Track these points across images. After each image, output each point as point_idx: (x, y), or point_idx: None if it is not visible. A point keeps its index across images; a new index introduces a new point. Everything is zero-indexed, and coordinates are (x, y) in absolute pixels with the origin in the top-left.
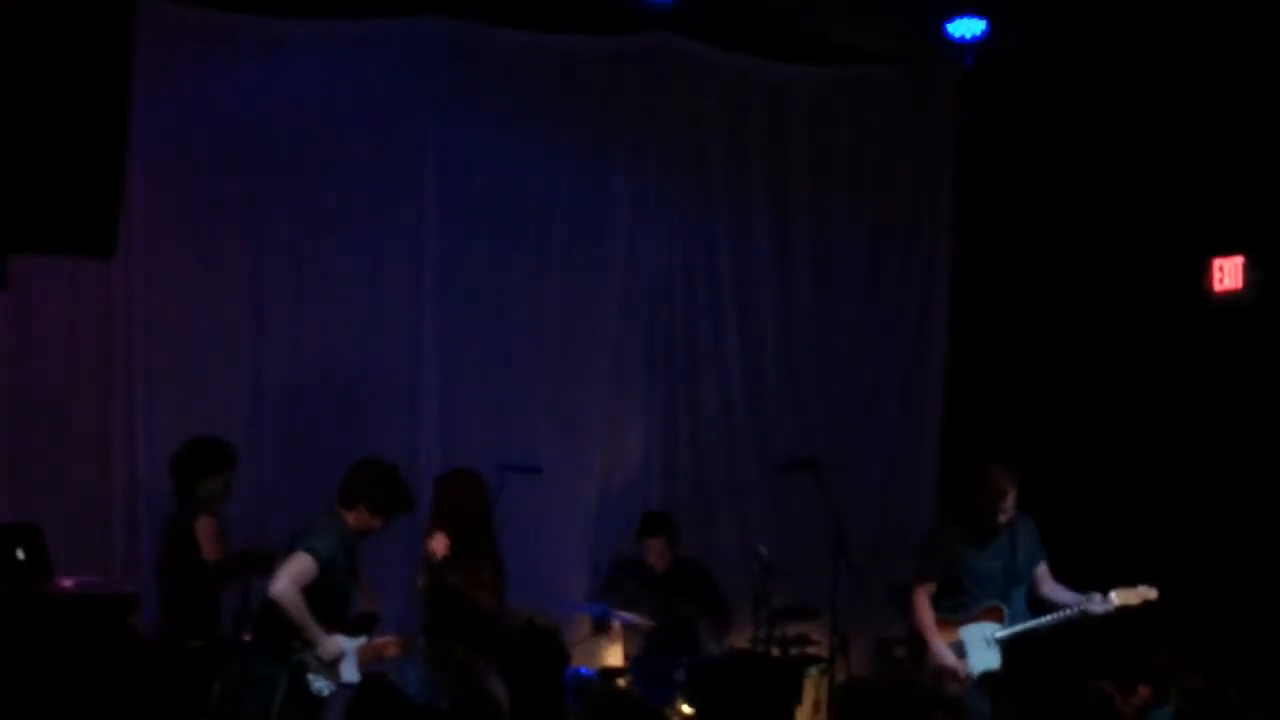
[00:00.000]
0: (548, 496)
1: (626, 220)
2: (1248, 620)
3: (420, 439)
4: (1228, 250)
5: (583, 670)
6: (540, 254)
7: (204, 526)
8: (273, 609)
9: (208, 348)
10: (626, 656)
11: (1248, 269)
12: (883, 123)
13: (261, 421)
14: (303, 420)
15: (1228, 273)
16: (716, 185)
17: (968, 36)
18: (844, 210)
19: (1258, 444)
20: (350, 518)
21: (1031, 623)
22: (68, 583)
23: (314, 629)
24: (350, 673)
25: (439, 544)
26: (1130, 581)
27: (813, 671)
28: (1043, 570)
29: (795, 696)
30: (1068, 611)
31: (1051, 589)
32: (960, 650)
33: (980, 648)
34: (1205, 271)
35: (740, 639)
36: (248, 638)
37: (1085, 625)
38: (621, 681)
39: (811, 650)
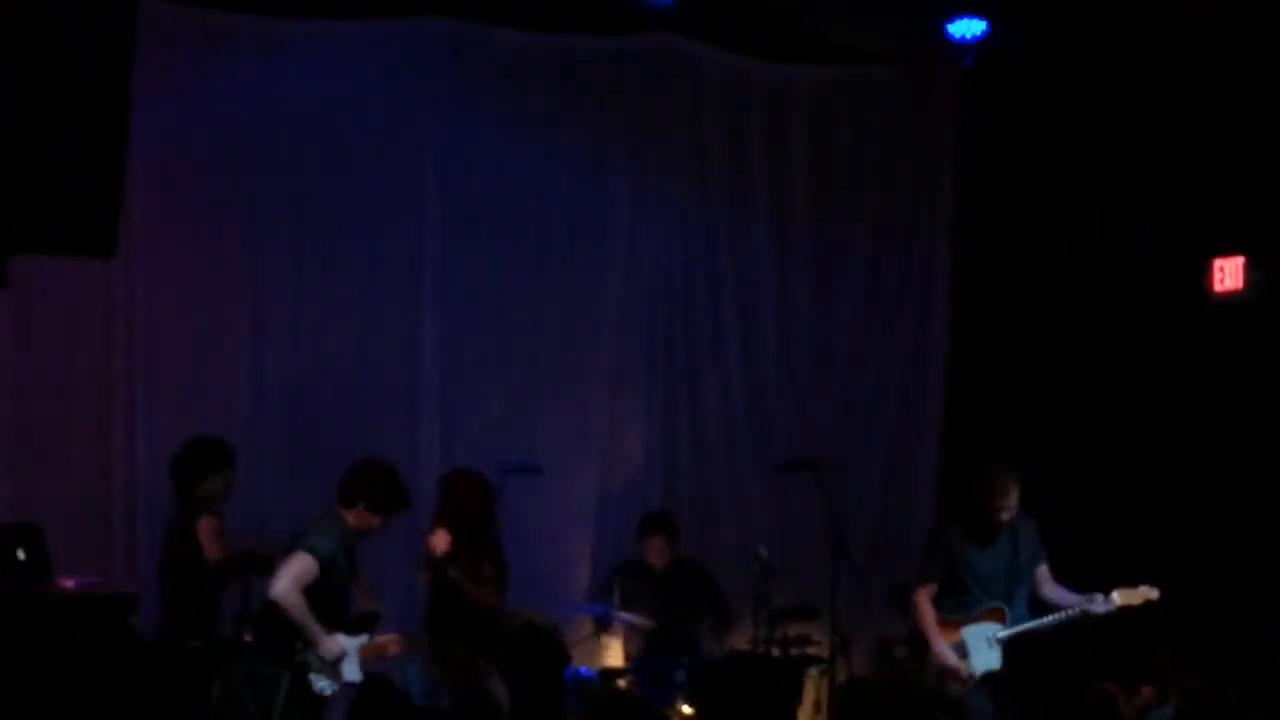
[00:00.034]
0: (548, 496)
1: (626, 220)
2: (1248, 620)
3: (420, 439)
4: (1228, 250)
5: (583, 670)
6: (540, 254)
7: (205, 526)
8: (274, 610)
9: (208, 348)
10: (627, 657)
11: (1248, 269)
12: (883, 123)
13: (261, 421)
14: (303, 420)
15: (1228, 273)
16: (716, 185)
17: (968, 37)
18: (844, 210)
19: (1258, 444)
20: (350, 517)
21: (1033, 623)
22: (68, 583)
23: (315, 629)
24: (352, 672)
25: (440, 539)
26: (1130, 582)
27: (813, 672)
28: (1043, 571)
29: (796, 697)
30: (1069, 611)
31: (1052, 590)
32: (962, 650)
33: (982, 648)
34: (1206, 272)
35: (740, 639)
36: (248, 638)
37: (1086, 625)
38: (622, 682)
39: (812, 651)
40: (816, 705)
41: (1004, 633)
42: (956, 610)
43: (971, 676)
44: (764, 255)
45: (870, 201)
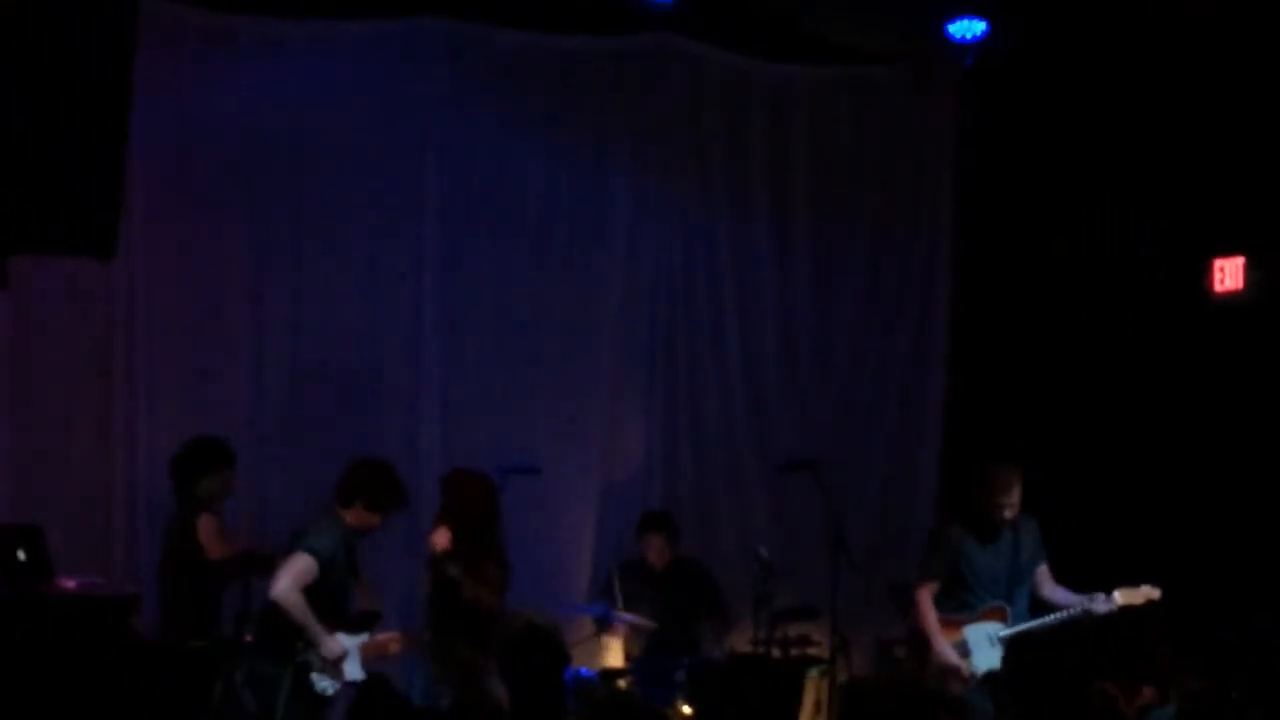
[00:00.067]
0: (548, 497)
1: (626, 220)
2: (1248, 621)
3: (421, 439)
4: (1228, 251)
5: (583, 671)
6: (540, 254)
7: (205, 525)
8: (274, 610)
9: (208, 348)
10: (627, 657)
11: (1249, 269)
12: (883, 123)
13: (262, 421)
14: (303, 420)
15: (1228, 273)
16: (716, 185)
17: (968, 37)
18: (844, 210)
19: (1258, 445)
20: (348, 516)
21: (1035, 622)
22: (69, 583)
23: (316, 629)
24: (354, 671)
25: (440, 537)
26: (1131, 582)
27: (813, 673)
28: (1043, 571)
29: (796, 698)
30: (1071, 611)
31: (1052, 590)
32: (964, 650)
33: (984, 647)
34: (1206, 272)
35: (741, 640)
36: (249, 638)
37: (1087, 625)
38: (622, 682)
39: (812, 651)
40: (817, 705)
41: (1006, 632)
42: (958, 609)
43: (973, 676)
44: (764, 255)
45: (870, 201)
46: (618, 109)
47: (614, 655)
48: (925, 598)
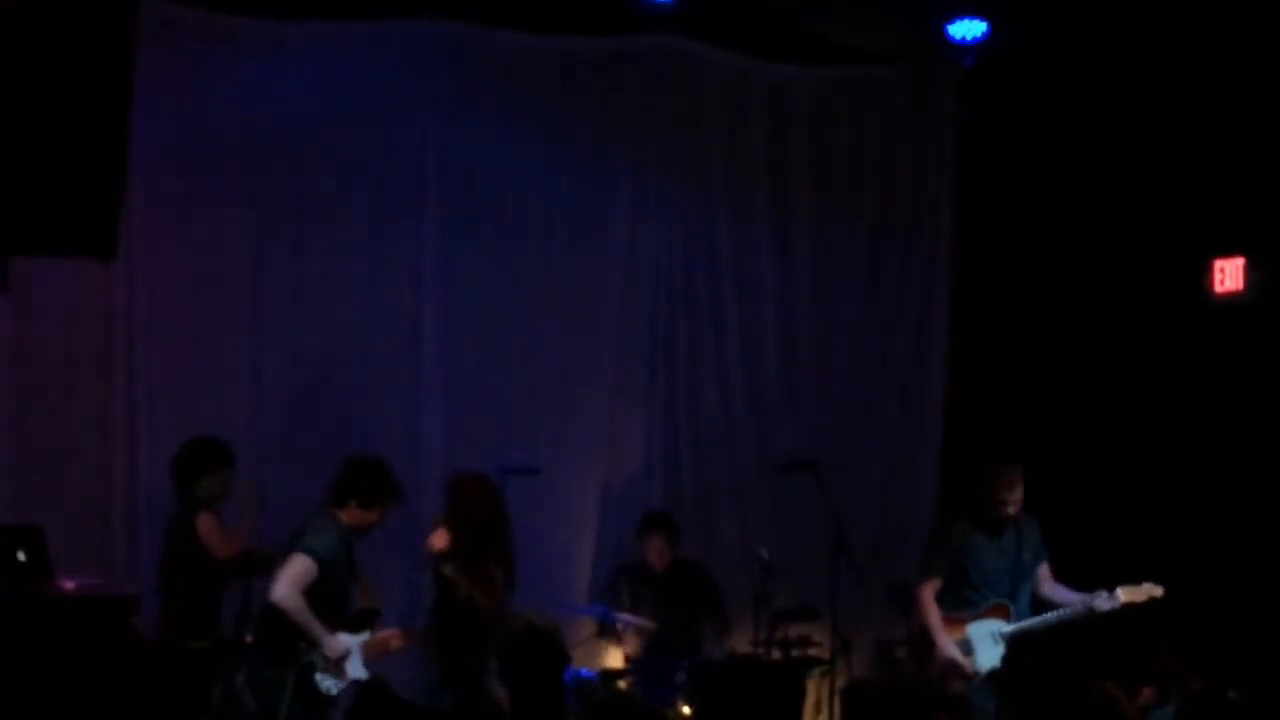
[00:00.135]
0: (547, 497)
1: (626, 220)
2: (1248, 620)
3: (421, 438)
4: (1229, 251)
5: (584, 672)
6: (540, 254)
7: (205, 524)
8: (275, 612)
9: (208, 348)
10: (627, 658)
11: (1249, 270)
12: (883, 123)
13: (262, 421)
14: (303, 420)
15: (1229, 274)
16: (716, 185)
17: (968, 38)
18: (844, 210)
19: (1258, 445)
20: (344, 515)
21: (1038, 619)
22: (69, 584)
23: (318, 629)
24: (357, 669)
25: (438, 539)
26: (1132, 581)
27: (814, 673)
28: (1044, 570)
29: (797, 699)
30: (1074, 608)
31: (1052, 589)
32: (967, 647)
33: (987, 644)
34: (1206, 272)
35: (741, 641)
36: (249, 639)
37: (1088, 624)
38: (622, 683)
39: (813, 652)
40: (817, 706)
41: (1009, 629)
42: (960, 607)
43: (976, 673)
44: (764, 255)
45: (870, 201)
46: (618, 109)
47: (614, 656)
48: (928, 595)
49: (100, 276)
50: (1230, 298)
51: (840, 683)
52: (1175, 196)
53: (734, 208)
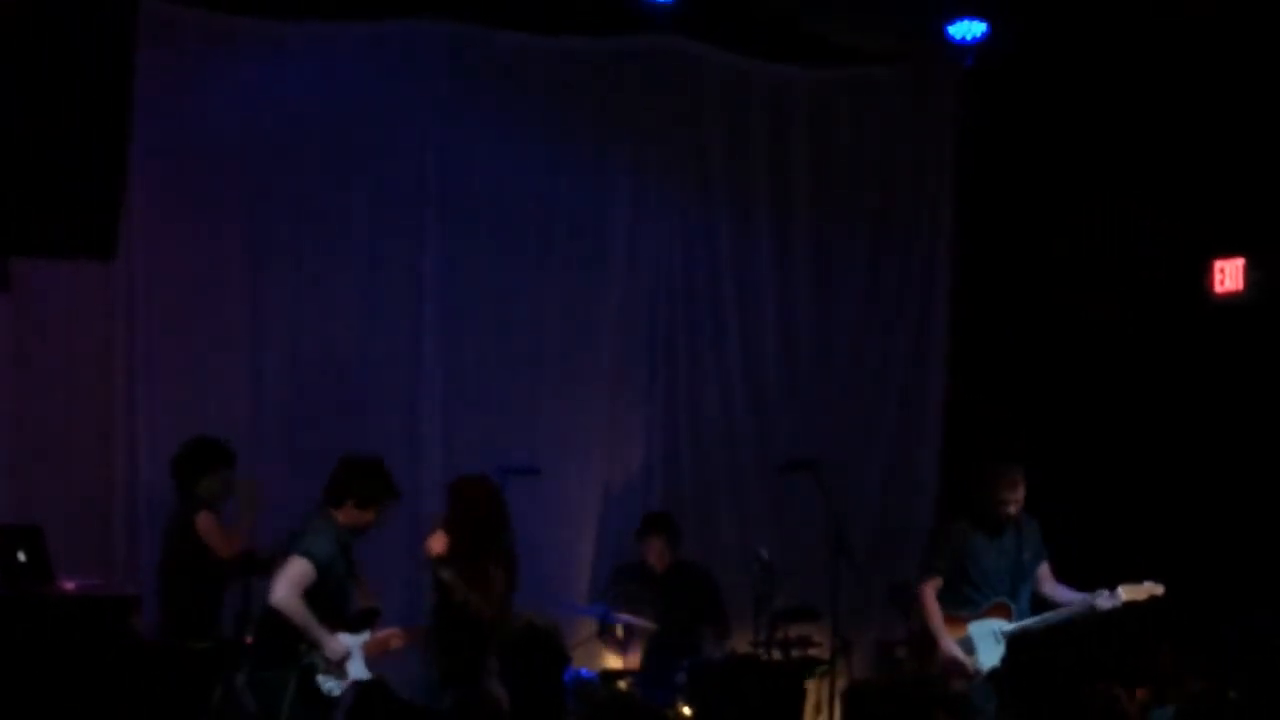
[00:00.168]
0: (548, 497)
1: (626, 220)
2: (1248, 620)
3: (420, 438)
4: (1229, 251)
5: (584, 672)
6: (540, 254)
7: (204, 522)
8: (275, 615)
9: (208, 348)
10: (627, 669)
11: (1249, 270)
12: (883, 123)
13: (262, 421)
14: (303, 420)
15: (1229, 274)
16: (716, 185)
17: (968, 38)
18: (844, 210)
19: (1258, 445)
20: (340, 516)
21: (1039, 618)
22: (69, 584)
23: (318, 631)
24: (358, 669)
25: (436, 542)
26: (1132, 581)
27: (814, 674)
28: (1044, 570)
29: (797, 700)
30: (1075, 607)
31: (1053, 588)
32: (969, 646)
33: (989, 644)
34: (1206, 273)
35: (741, 641)
36: (249, 639)
37: (1088, 623)
38: (622, 683)
39: (813, 652)
40: (817, 706)
41: (1010, 628)
42: (961, 606)
43: (978, 672)
44: (764, 255)
45: (870, 201)
46: (618, 109)
47: (615, 660)
48: (929, 594)
49: (100, 276)
50: (1230, 298)
51: (840, 683)
52: (1175, 196)
53: (734, 207)
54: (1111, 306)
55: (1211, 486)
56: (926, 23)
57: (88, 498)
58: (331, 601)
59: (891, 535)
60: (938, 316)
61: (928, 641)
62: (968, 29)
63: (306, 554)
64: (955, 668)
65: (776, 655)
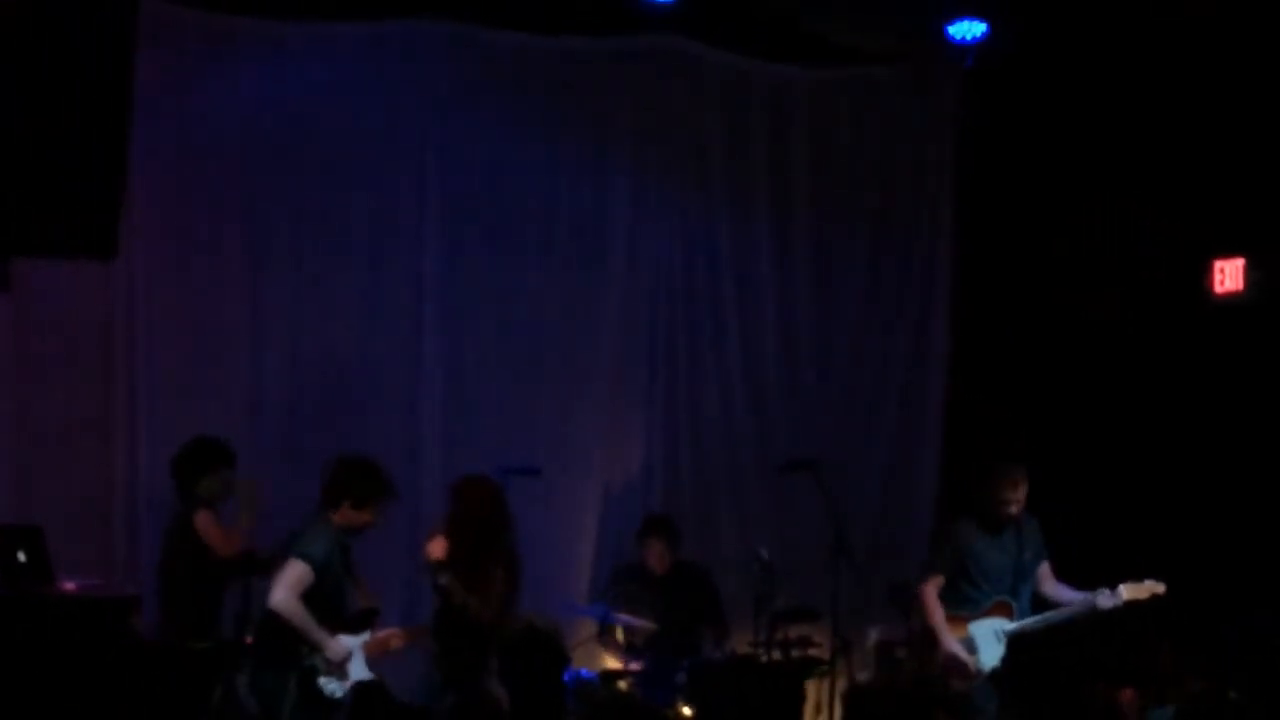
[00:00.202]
0: (548, 497)
1: (626, 220)
2: (1248, 620)
3: (421, 438)
4: (1229, 252)
5: (584, 672)
6: (540, 254)
7: (203, 521)
8: (274, 618)
9: (208, 348)
10: (627, 670)
11: (1249, 270)
12: (883, 123)
13: (262, 421)
14: (303, 420)
15: (1229, 274)
16: (716, 185)
17: (968, 38)
18: (844, 210)
19: (1258, 445)
20: (337, 517)
21: (1040, 617)
22: (69, 585)
23: (319, 633)
24: (359, 670)
25: (435, 547)
26: (1132, 581)
27: (814, 675)
28: (1045, 569)
29: (797, 700)
30: (1076, 606)
31: (1053, 588)
32: (970, 646)
33: (990, 643)
34: (1206, 273)
35: (741, 642)
36: (249, 639)
37: (1089, 622)
38: (622, 684)
39: (813, 652)
40: (817, 707)
41: (1011, 627)
42: (962, 605)
43: (979, 672)
44: (764, 255)
45: (870, 201)
46: (618, 109)
47: (615, 661)
48: (930, 593)
49: (100, 276)
50: (1230, 298)
51: (840, 683)
52: (1175, 196)
53: (734, 208)
54: (1111, 306)
55: (1212, 486)
56: (926, 23)
57: (88, 498)
58: (330, 603)
59: (891, 535)
60: (938, 316)
61: (929, 641)
62: (968, 29)
63: (303, 556)
64: (957, 667)
65: (776, 656)
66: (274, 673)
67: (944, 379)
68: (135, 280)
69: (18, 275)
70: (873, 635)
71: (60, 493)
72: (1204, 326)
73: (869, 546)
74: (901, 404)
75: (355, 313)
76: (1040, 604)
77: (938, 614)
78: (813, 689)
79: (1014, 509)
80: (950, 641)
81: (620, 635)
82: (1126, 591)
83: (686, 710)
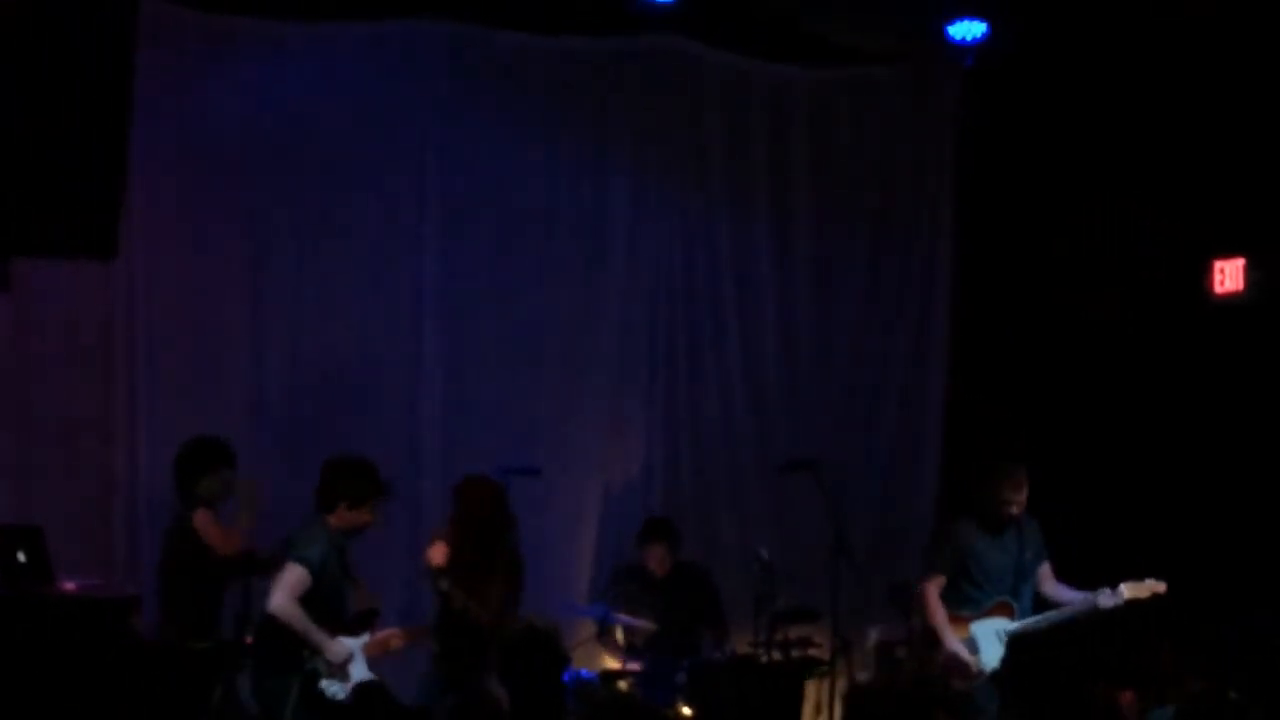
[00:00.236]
0: (548, 497)
1: (626, 220)
2: (1248, 620)
3: (421, 439)
4: (1229, 252)
5: (584, 672)
6: (540, 254)
7: (201, 520)
8: (273, 623)
9: (208, 348)
10: (626, 670)
11: (1249, 270)
12: (883, 123)
13: (262, 421)
14: (303, 420)
15: (1229, 274)
16: (716, 185)
17: (968, 38)
18: (844, 210)
19: (1258, 445)
20: (334, 520)
21: (1042, 617)
22: (69, 584)
23: (319, 636)
24: (360, 672)
25: (436, 553)
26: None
27: (814, 675)
28: (1045, 570)
29: (797, 700)
30: (1077, 605)
31: (1053, 588)
32: (972, 646)
33: (992, 643)
34: (1206, 273)
35: (741, 642)
36: (249, 639)
37: (1091, 622)
38: (622, 684)
39: (813, 653)
40: (817, 707)
41: (1013, 627)
42: (963, 605)
43: (981, 672)
44: (764, 255)
45: (870, 201)
46: (618, 109)
47: (615, 661)
48: (932, 593)
49: (100, 276)
50: (1230, 298)
51: (840, 683)
52: (1175, 196)
53: (734, 208)
54: (1111, 306)
55: (1211, 487)
56: (926, 23)
57: (88, 498)
58: (328, 606)
59: (891, 535)
60: (938, 316)
61: (930, 640)
62: (968, 29)
63: (300, 560)
64: (959, 666)
65: (776, 656)
66: (276, 677)
67: (944, 379)
68: (135, 280)
69: (18, 275)
70: (873, 635)
71: (60, 493)
72: (1204, 326)
73: (869, 546)
74: (901, 404)
75: (355, 313)
76: (1041, 605)
77: (940, 614)
78: (813, 689)
79: (1015, 510)
80: (954, 641)
81: (620, 635)
82: (1128, 590)
83: (686, 710)
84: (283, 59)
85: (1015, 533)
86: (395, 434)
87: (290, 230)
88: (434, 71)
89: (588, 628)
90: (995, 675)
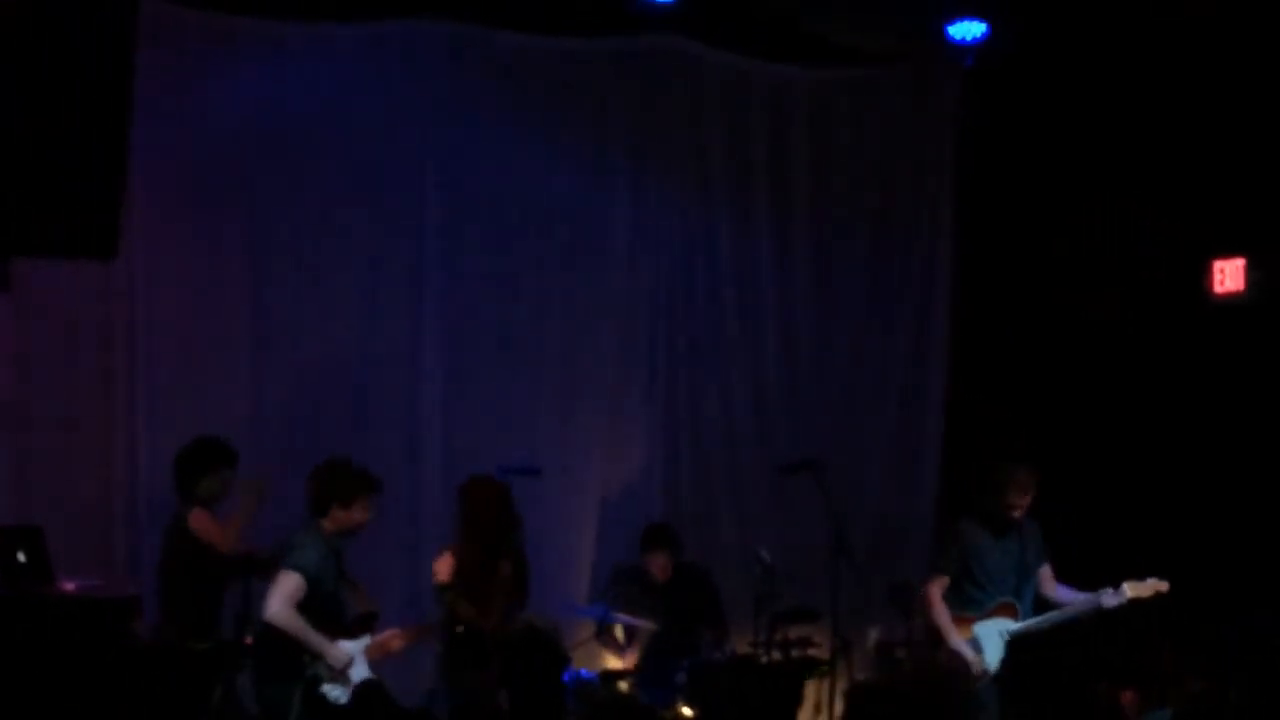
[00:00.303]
0: (548, 498)
1: (626, 220)
2: (1248, 620)
3: (421, 439)
4: (1229, 252)
5: (584, 673)
6: (540, 254)
7: (198, 519)
8: (272, 630)
9: (208, 348)
10: (626, 669)
11: (1249, 270)
12: (883, 123)
13: (262, 422)
14: (303, 420)
15: (1229, 274)
16: (716, 185)
17: (968, 39)
18: (844, 210)
19: (1258, 445)
20: (328, 523)
21: (1044, 617)
22: (69, 585)
23: (319, 641)
24: (361, 674)
25: (442, 568)
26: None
27: (814, 675)
28: (1046, 572)
29: (796, 700)
30: (1080, 605)
31: (1054, 590)
32: (976, 646)
33: (995, 643)
34: (1206, 273)
35: (741, 642)
36: (249, 639)
37: (1091, 623)
38: (622, 684)
39: (813, 653)
40: (817, 707)
41: (1017, 627)
42: (966, 606)
43: (985, 672)
44: (764, 255)
45: (870, 201)
46: (618, 110)
47: (615, 661)
48: (936, 593)
49: (100, 276)
50: (1230, 298)
51: (840, 683)
52: (1175, 196)
53: (734, 208)
54: (1111, 306)
55: (1212, 487)
56: (926, 23)
57: (88, 498)
58: (326, 610)
59: (891, 535)
60: (938, 316)
61: (934, 640)
62: (968, 29)
63: (295, 567)
64: (962, 667)
65: (776, 656)
66: (277, 684)
67: (944, 379)
68: (135, 280)
69: (18, 275)
70: (873, 635)
71: (60, 493)
72: (1204, 326)
73: (869, 546)
74: (901, 404)
75: (355, 313)
76: (1042, 606)
77: (944, 614)
78: (813, 689)
79: (1019, 512)
80: (958, 641)
81: (620, 632)
82: (1131, 590)
83: (686, 710)
84: (283, 59)
85: (1017, 534)
86: (395, 434)
87: (290, 230)
88: (434, 72)
89: (588, 628)
90: (998, 675)
